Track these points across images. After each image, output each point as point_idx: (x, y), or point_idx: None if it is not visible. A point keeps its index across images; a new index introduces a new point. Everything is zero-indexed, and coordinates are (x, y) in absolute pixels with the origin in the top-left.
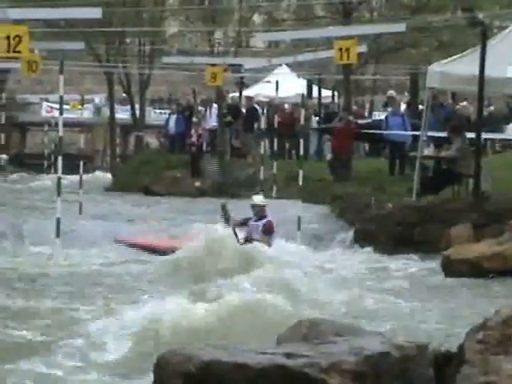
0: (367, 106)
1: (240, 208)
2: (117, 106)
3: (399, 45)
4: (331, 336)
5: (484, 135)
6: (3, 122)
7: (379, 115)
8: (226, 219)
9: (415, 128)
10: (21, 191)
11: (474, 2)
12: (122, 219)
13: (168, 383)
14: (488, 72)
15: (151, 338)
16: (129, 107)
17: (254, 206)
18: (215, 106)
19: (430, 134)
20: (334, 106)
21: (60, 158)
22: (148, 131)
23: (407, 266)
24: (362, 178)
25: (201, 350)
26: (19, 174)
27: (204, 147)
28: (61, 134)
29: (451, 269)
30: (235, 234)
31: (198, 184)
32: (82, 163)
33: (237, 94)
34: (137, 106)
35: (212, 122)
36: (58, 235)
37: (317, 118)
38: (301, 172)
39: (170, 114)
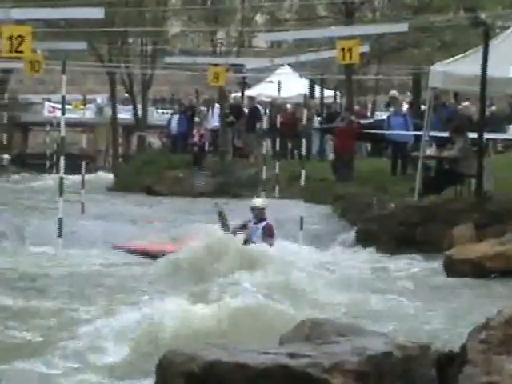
0: (369, 106)
1: (241, 208)
2: (119, 106)
3: (402, 45)
4: (334, 336)
5: (486, 135)
6: (5, 122)
7: (381, 115)
8: (224, 225)
9: (417, 128)
10: (23, 191)
11: (476, 2)
12: (124, 219)
13: (170, 383)
14: (490, 72)
15: (151, 340)
16: (131, 107)
17: (253, 209)
18: (217, 105)
19: (432, 134)
20: (336, 106)
21: (62, 158)
22: (150, 131)
23: (409, 266)
24: (364, 178)
25: (203, 350)
26: (21, 174)
27: (206, 147)
28: (63, 134)
29: (453, 269)
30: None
31: (199, 184)
32: (84, 163)
33: (239, 94)
34: (139, 106)
35: (214, 122)
36: (60, 235)
37: (319, 118)
38: (303, 172)
39: (172, 114)
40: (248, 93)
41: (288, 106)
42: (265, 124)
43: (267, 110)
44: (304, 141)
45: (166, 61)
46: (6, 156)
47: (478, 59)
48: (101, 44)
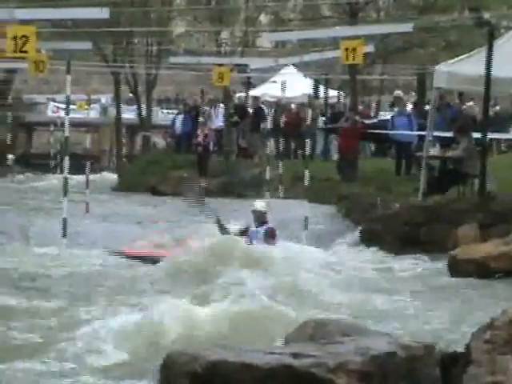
0: (374, 106)
1: (246, 208)
2: (123, 106)
3: (407, 45)
4: (338, 336)
5: (490, 135)
6: (9, 121)
7: (386, 115)
8: (223, 230)
9: (422, 128)
10: (27, 191)
11: (480, 2)
12: (128, 219)
13: (174, 383)
14: (495, 72)
15: (152, 341)
16: (135, 107)
17: (254, 212)
18: (222, 105)
19: (436, 134)
20: (340, 106)
21: (66, 158)
22: (155, 131)
23: (414, 266)
24: (368, 178)
25: (207, 350)
26: (25, 174)
27: (211, 147)
28: (67, 134)
29: (458, 269)
30: None
31: (203, 184)
32: (88, 163)
33: (243, 94)
34: (143, 106)
35: (218, 122)
36: (64, 235)
37: (323, 118)
38: (307, 172)
39: (176, 114)
40: (252, 93)
41: (292, 105)
42: (269, 124)
43: (272, 110)
44: (308, 141)
45: (170, 61)
46: (11, 156)
47: (482, 59)
48: (106, 44)
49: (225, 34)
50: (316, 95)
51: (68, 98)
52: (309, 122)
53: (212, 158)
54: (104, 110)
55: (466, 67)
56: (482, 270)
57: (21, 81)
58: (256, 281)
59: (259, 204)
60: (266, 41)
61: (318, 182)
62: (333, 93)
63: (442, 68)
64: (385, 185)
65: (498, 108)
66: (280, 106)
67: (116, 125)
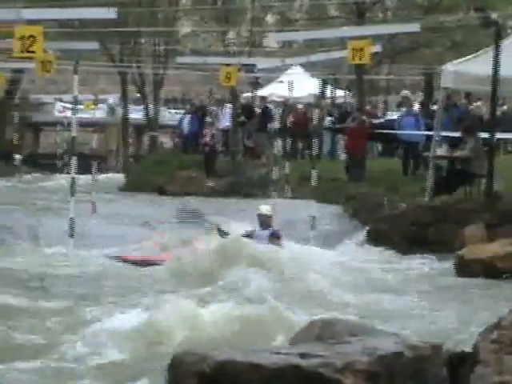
0: (381, 105)
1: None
2: (130, 106)
3: (414, 45)
4: (345, 336)
5: (497, 135)
6: (17, 121)
7: (393, 115)
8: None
9: (429, 128)
10: (34, 191)
11: (486, 1)
12: (135, 219)
13: (182, 383)
14: (502, 72)
15: (157, 342)
16: (142, 107)
17: (259, 216)
18: (229, 105)
19: (444, 134)
20: (347, 106)
21: (74, 158)
22: (162, 131)
23: (421, 266)
24: (376, 178)
25: (215, 350)
26: (33, 174)
27: (218, 147)
28: (74, 134)
29: (465, 269)
30: None
31: (211, 184)
32: (95, 163)
33: (250, 94)
34: (150, 106)
35: (225, 122)
36: (71, 235)
37: (330, 118)
38: (314, 172)
39: (184, 114)
40: (259, 93)
41: (299, 105)
42: (276, 124)
43: (279, 110)
44: (315, 141)
45: (177, 61)
46: (18, 156)
47: (489, 59)
48: (113, 44)
49: (231, 34)
50: (323, 95)
51: (75, 98)
52: (316, 121)
53: (219, 158)
54: (111, 109)
55: (474, 67)
56: (489, 270)
57: (28, 81)
58: (262, 281)
59: (264, 208)
60: (272, 41)
61: (325, 181)
62: (340, 93)
63: (450, 68)
64: (392, 185)
65: (505, 108)
66: (287, 105)
67: (123, 125)
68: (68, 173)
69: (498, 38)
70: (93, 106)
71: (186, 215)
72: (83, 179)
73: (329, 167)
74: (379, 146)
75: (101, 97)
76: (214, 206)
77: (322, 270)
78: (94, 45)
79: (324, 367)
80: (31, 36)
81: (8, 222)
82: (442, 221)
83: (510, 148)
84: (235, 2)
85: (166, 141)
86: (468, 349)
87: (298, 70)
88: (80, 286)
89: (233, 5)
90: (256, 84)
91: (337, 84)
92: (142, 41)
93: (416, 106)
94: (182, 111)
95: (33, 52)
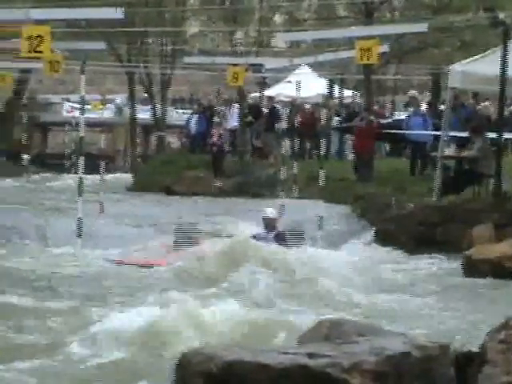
0: (388, 105)
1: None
2: (138, 106)
3: (422, 45)
4: (353, 336)
5: (505, 135)
6: (25, 122)
7: (400, 115)
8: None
9: (437, 128)
10: (42, 191)
11: (495, 2)
12: (143, 219)
13: (189, 383)
14: (510, 72)
15: (162, 342)
16: (150, 107)
17: (264, 219)
18: (236, 105)
19: (452, 134)
20: (355, 106)
21: (81, 158)
22: (169, 131)
23: (429, 266)
24: (383, 178)
25: (223, 350)
26: (41, 174)
27: (225, 147)
28: (82, 134)
29: (473, 269)
30: None
31: (218, 184)
32: (103, 163)
33: (257, 94)
34: (158, 106)
35: (233, 122)
36: (79, 235)
37: (338, 118)
38: (322, 172)
39: (191, 114)
40: (267, 93)
41: (307, 105)
42: (284, 124)
43: (287, 110)
44: (323, 141)
45: (184, 61)
46: (26, 156)
47: (497, 59)
48: (120, 44)
49: (239, 34)
50: (331, 95)
51: (83, 98)
52: (323, 121)
53: (227, 158)
54: (119, 110)
55: (481, 67)
56: (497, 270)
57: (36, 81)
58: (269, 282)
59: (269, 211)
60: (280, 41)
61: (332, 181)
62: (347, 93)
63: (457, 68)
64: (400, 185)
65: None
66: (295, 105)
67: (130, 125)
68: (76, 173)
69: (506, 37)
70: (101, 106)
71: (182, 235)
72: (91, 179)
73: (337, 167)
74: (387, 146)
75: (108, 97)
76: (222, 206)
77: (329, 270)
78: (101, 45)
79: (331, 367)
80: (39, 36)
81: (16, 221)
82: (450, 221)
83: None
84: (243, 1)
85: (174, 141)
86: (476, 349)
87: (306, 69)
88: (87, 286)
89: (241, 5)
90: (263, 84)
91: (344, 84)
92: (150, 41)
93: (423, 106)
94: (190, 111)
95: (40, 52)
